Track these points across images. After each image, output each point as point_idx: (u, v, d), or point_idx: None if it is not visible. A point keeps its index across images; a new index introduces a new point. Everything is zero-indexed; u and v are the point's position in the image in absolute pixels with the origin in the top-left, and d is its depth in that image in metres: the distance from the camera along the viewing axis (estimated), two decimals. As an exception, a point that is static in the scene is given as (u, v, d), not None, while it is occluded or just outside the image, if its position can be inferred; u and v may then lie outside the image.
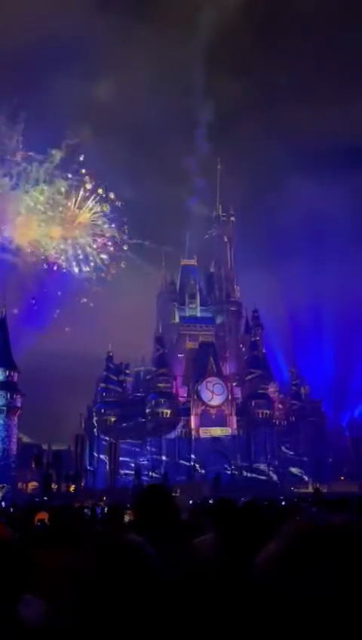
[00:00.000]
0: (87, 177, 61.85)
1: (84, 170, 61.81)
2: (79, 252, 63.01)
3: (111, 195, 63.15)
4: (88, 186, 62.25)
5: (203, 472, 62.53)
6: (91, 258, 63.23)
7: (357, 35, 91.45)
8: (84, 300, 62.79)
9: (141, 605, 0.88)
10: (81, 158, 61.39)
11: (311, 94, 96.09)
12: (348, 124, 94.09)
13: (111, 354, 71.99)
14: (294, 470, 66.77)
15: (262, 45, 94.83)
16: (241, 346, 77.20)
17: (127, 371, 74.38)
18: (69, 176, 61.71)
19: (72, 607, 0.88)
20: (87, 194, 62.69)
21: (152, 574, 0.91)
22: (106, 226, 63.38)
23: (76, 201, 62.19)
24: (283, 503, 14.70)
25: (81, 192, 62.42)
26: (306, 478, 63.63)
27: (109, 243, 63.56)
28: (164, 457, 65.95)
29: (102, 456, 65.73)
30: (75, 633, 0.86)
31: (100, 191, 62.67)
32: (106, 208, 63.07)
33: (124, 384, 73.30)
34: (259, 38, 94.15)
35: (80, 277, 63.13)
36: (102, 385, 71.09)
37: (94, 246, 63.31)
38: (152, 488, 2.44)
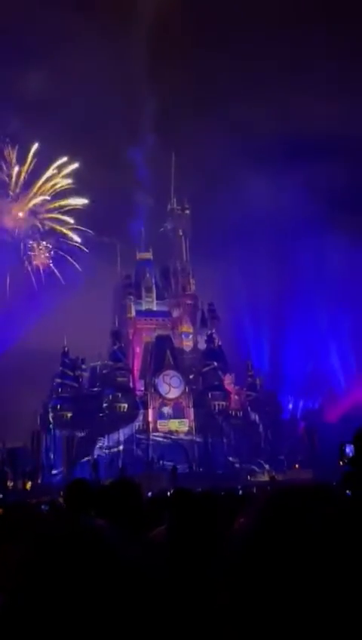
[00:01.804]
0: (25, 167, 60.38)
1: (29, 163, 59.98)
2: (22, 243, 61.46)
3: (55, 184, 61.68)
4: (25, 176, 60.65)
5: (160, 464, 62.81)
6: (34, 249, 61.83)
7: (306, 26, 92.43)
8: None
9: (103, 589, 0.85)
10: (16, 148, 59.62)
11: (260, 87, 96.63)
12: (299, 117, 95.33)
13: (66, 349, 71.22)
14: (250, 460, 67.83)
15: (207, 36, 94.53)
16: (197, 338, 77.73)
17: (83, 366, 73.76)
18: (3, 166, 60.09)
19: (29, 591, 0.84)
20: (24, 184, 61.06)
21: (114, 557, 0.87)
22: (52, 215, 62.10)
23: (14, 189, 60.60)
24: (240, 492, 14.96)
25: (21, 181, 60.84)
26: (262, 467, 64.82)
27: (53, 235, 62.21)
28: (121, 451, 65.90)
29: (58, 452, 65.13)
30: (34, 621, 0.82)
31: (44, 180, 61.30)
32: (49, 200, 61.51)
33: (80, 379, 72.70)
34: (203, 29, 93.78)
35: (24, 270, 61.68)
36: (58, 380, 70.31)
37: (35, 238, 61.83)
38: (121, 481, 2.49)
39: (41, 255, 61.80)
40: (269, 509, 0.77)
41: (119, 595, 0.84)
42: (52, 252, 63.12)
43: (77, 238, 63.70)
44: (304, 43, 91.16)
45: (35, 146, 59.47)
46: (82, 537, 0.82)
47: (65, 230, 61.70)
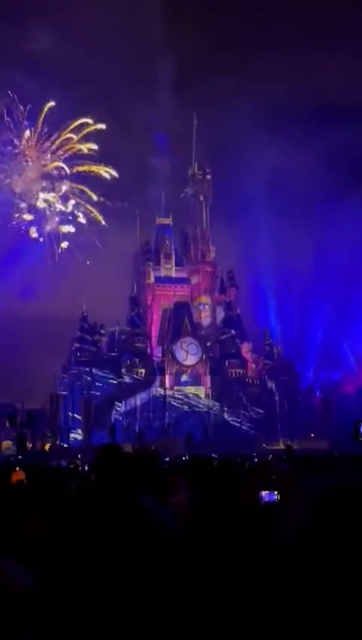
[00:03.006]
0: (39, 130, 58.73)
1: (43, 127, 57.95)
2: (38, 207, 60.09)
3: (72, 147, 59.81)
4: (36, 137, 58.78)
5: (176, 429, 63.61)
6: (49, 214, 60.55)
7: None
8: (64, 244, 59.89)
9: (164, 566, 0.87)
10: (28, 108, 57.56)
11: (279, 51, 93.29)
12: (316, 83, 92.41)
13: (85, 314, 71.72)
14: (265, 427, 68.34)
15: None
16: (216, 306, 77.61)
17: (102, 331, 74.33)
18: (12, 128, 58.33)
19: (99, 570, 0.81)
20: (36, 146, 59.33)
21: (170, 540, 0.89)
22: (69, 183, 60.54)
23: (26, 151, 58.92)
24: (255, 460, 15.14)
25: (32, 143, 59.11)
26: (277, 436, 65.27)
27: (72, 199, 60.74)
28: (138, 416, 66.81)
29: (76, 415, 66.24)
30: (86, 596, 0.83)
31: (59, 143, 59.52)
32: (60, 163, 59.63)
33: (99, 344, 73.37)
34: None
35: (43, 236, 60.67)
36: (77, 345, 71.07)
37: (54, 200, 60.31)
38: (142, 450, 2.53)
39: (54, 221, 60.76)
40: (324, 500, 0.77)
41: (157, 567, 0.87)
42: (70, 217, 62.30)
43: (93, 204, 62.68)
44: (326, 6, 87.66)
45: (48, 105, 57.67)
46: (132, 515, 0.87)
47: (80, 201, 60.37)
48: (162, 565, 0.85)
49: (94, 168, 59.58)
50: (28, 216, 59.15)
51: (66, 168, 59.69)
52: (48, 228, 60.87)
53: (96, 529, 0.87)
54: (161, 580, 0.82)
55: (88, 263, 60.94)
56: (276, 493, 4.00)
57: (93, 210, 60.60)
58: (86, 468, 11.67)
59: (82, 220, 61.66)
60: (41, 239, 60.33)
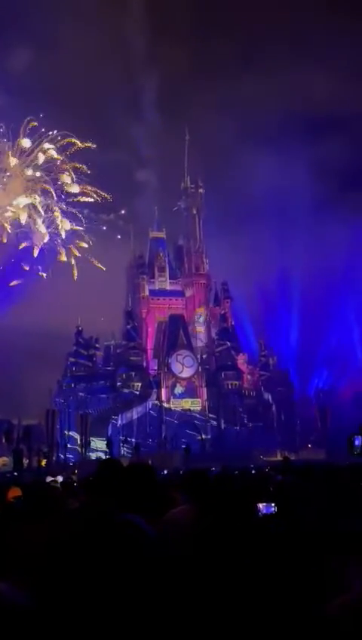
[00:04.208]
0: (24, 147, 58.21)
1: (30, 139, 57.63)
2: (27, 221, 59.44)
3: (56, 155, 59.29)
4: (19, 153, 58.20)
5: (174, 442, 63.32)
6: (39, 228, 59.90)
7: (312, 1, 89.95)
8: (43, 274, 59.50)
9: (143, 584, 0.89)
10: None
11: (268, 65, 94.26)
12: (305, 97, 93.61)
13: (80, 328, 71.61)
14: (263, 439, 68.12)
15: (211, 12, 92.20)
16: (210, 318, 77.70)
17: (97, 346, 74.18)
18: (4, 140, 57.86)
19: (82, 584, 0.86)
20: (22, 162, 59.00)
21: (152, 554, 0.90)
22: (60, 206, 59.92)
23: (9, 171, 58.38)
24: (253, 472, 15.06)
25: (16, 160, 58.73)
26: (275, 447, 65.02)
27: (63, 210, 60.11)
28: (135, 429, 66.49)
29: (72, 431, 65.86)
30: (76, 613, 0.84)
31: (46, 159, 59.11)
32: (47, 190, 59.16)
33: (94, 358, 73.18)
34: (207, 4, 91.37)
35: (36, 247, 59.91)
36: (72, 359, 70.88)
37: (43, 214, 59.71)
38: (136, 466, 2.52)
39: (40, 237, 59.99)
40: None
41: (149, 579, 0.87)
42: (63, 231, 61.79)
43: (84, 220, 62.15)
44: (312, 21, 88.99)
45: (32, 123, 57.26)
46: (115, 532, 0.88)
47: (65, 223, 59.42)
48: (144, 578, 0.89)
49: (80, 188, 59.37)
50: (7, 226, 58.61)
51: (53, 192, 59.34)
52: (39, 244, 60.28)
53: (83, 546, 0.90)
54: (146, 592, 0.87)
55: (78, 264, 60.34)
56: (273, 505, 3.98)
57: (83, 233, 60.18)
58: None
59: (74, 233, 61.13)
60: (32, 268, 59.61)
